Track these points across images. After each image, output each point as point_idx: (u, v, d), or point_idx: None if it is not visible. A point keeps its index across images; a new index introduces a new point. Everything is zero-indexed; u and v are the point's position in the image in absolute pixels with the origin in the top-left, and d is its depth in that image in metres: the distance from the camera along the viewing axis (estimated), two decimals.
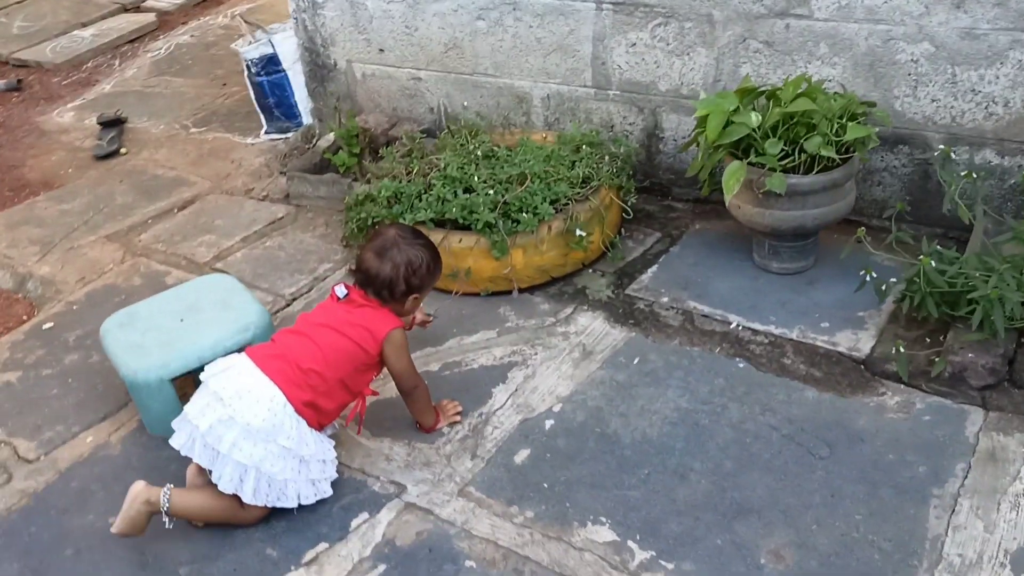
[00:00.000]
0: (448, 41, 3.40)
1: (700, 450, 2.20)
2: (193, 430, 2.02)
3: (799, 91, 2.49)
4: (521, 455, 2.24)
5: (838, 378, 2.37)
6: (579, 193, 2.80)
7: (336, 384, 2.09)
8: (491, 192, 2.74)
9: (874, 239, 2.84)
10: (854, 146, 2.52)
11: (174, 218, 3.53)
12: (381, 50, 3.58)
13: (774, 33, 2.77)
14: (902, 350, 2.28)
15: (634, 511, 2.06)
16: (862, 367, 2.39)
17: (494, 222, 2.67)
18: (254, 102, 4.09)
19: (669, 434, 2.26)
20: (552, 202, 2.75)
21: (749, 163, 2.51)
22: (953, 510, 1.95)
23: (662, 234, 3.05)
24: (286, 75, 3.90)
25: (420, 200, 2.83)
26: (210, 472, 2.03)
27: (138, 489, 2.03)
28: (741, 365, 2.45)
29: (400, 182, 2.91)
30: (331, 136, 3.64)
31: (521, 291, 2.80)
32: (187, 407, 2.05)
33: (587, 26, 3.09)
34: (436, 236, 2.74)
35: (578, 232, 2.73)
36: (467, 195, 2.77)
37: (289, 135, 3.97)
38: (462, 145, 3.11)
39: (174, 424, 2.09)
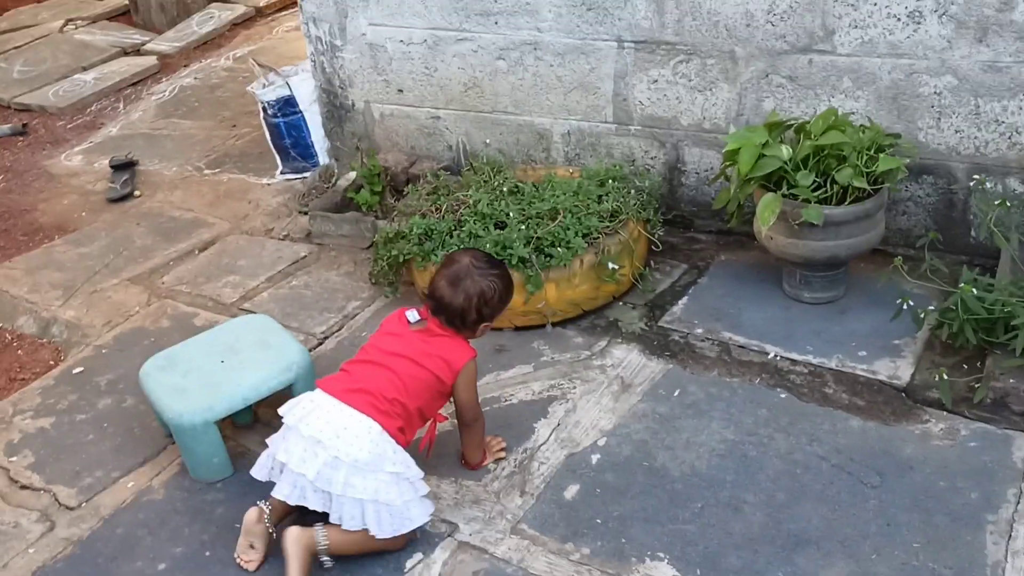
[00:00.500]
0: (468, 81, 3.45)
1: (751, 482, 2.20)
2: (297, 479, 2.00)
3: (829, 124, 2.54)
4: (571, 490, 2.24)
5: (881, 406, 2.39)
6: (609, 227, 2.83)
7: (415, 412, 2.11)
8: (523, 227, 2.76)
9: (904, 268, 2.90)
10: (883, 177, 2.56)
11: (196, 259, 3.52)
12: (400, 90, 3.61)
13: (797, 68, 2.83)
14: (945, 377, 2.30)
15: (691, 545, 2.06)
16: (903, 395, 2.41)
17: (528, 256, 2.69)
18: (269, 143, 4.10)
19: (718, 466, 2.26)
20: (583, 236, 2.77)
21: (782, 195, 2.55)
22: (1010, 536, 1.96)
23: (688, 266, 3.08)
24: (303, 116, 3.92)
25: (452, 237, 2.85)
26: (327, 514, 2.02)
27: (295, 536, 2.01)
28: (783, 395, 2.47)
29: (430, 219, 2.93)
30: (352, 175, 3.66)
31: (554, 325, 2.81)
32: (279, 455, 2.03)
33: (608, 64, 3.14)
34: None
35: (610, 265, 2.75)
36: (499, 231, 2.79)
37: (306, 175, 3.99)
38: (486, 181, 3.13)
39: (262, 473, 2.09)
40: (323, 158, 4.01)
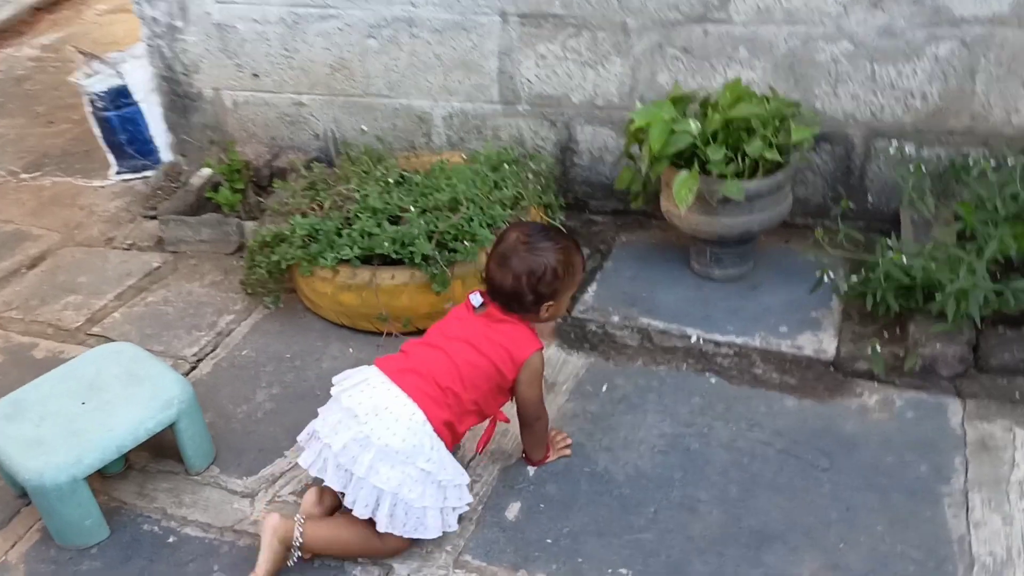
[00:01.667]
0: (335, 62, 3.12)
1: (700, 477, 2.07)
2: (324, 448, 1.83)
3: (737, 96, 2.43)
4: (512, 510, 2.03)
5: (812, 383, 2.32)
6: (511, 215, 2.62)
7: (470, 405, 1.90)
8: (422, 221, 2.50)
9: (803, 238, 2.87)
10: (790, 147, 2.49)
11: (24, 279, 3.02)
12: (256, 75, 3.24)
13: (692, 39, 2.71)
14: (878, 348, 2.26)
15: (653, 556, 1.90)
16: (832, 369, 2.36)
17: (431, 253, 2.44)
18: (100, 140, 3.59)
19: (663, 464, 2.12)
20: (487, 226, 2.55)
21: (689, 170, 2.43)
22: (967, 507, 1.93)
23: (590, 250, 2.92)
24: (139, 108, 3.44)
25: (341, 236, 2.54)
26: (342, 495, 1.84)
27: (274, 524, 1.84)
28: (713, 380, 2.36)
29: (312, 218, 2.61)
30: (206, 172, 3.25)
31: None
32: (315, 423, 1.88)
33: (492, 40, 2.91)
34: (364, 275, 2.49)
35: None
36: (395, 227, 2.52)
37: (148, 174, 3.52)
38: (366, 172, 2.84)
39: (301, 441, 1.92)
40: (167, 154, 3.55)
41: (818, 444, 2.14)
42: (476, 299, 1.96)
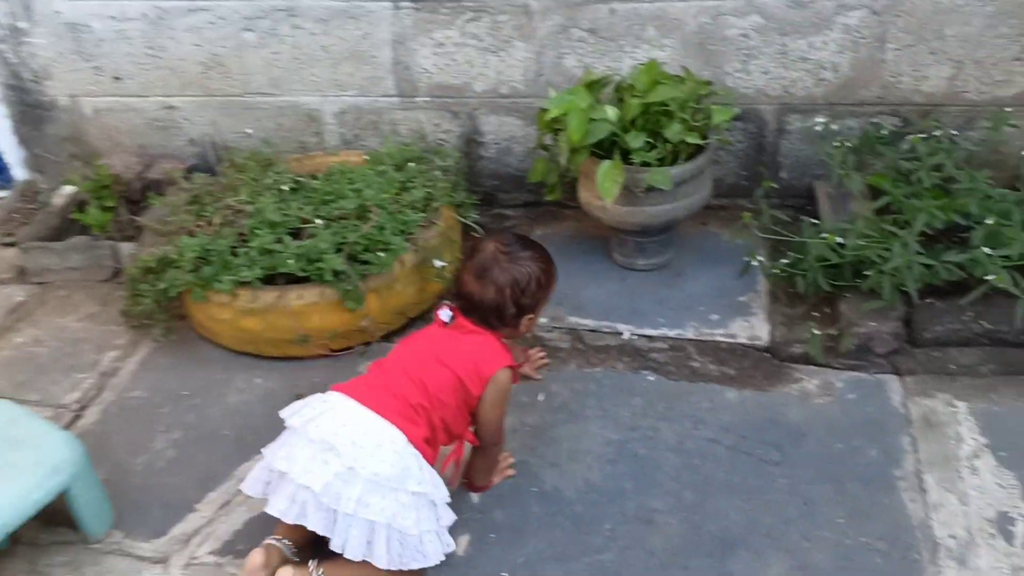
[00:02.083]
0: (208, 59, 2.84)
1: (653, 485, 1.97)
2: (298, 492, 1.64)
3: (654, 78, 2.32)
4: (461, 543, 1.87)
5: (750, 372, 2.26)
6: (424, 218, 2.44)
7: (439, 423, 1.77)
8: (328, 233, 2.28)
9: (719, 219, 2.81)
10: (709, 129, 2.41)
11: None
12: (117, 78, 2.91)
13: (598, 19, 2.58)
14: (815, 331, 2.21)
15: None
16: (768, 355, 2.30)
17: (343, 268, 2.23)
18: None
19: (613, 475, 2.00)
20: (400, 233, 2.36)
21: (611, 160, 2.31)
22: (923, 489, 1.90)
23: None
24: None
25: (237, 256, 2.30)
26: (328, 539, 1.65)
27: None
28: (651, 378, 2.26)
29: (202, 237, 2.34)
30: (69, 189, 2.91)
31: (379, 341, 2.39)
32: (280, 464, 1.67)
33: (384, 28, 2.70)
34: (268, 296, 2.26)
35: (436, 262, 2.37)
36: (299, 241, 2.29)
37: (0, 196, 3.14)
38: (255, 180, 2.59)
39: (256, 489, 1.74)
40: (20, 172, 3.17)
41: (766, 437, 2.07)
42: (446, 314, 1.84)
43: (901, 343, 2.24)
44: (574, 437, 2.10)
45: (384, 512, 1.63)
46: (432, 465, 1.75)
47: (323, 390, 1.86)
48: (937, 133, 2.38)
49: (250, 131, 2.91)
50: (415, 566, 1.69)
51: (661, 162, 2.33)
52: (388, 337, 2.41)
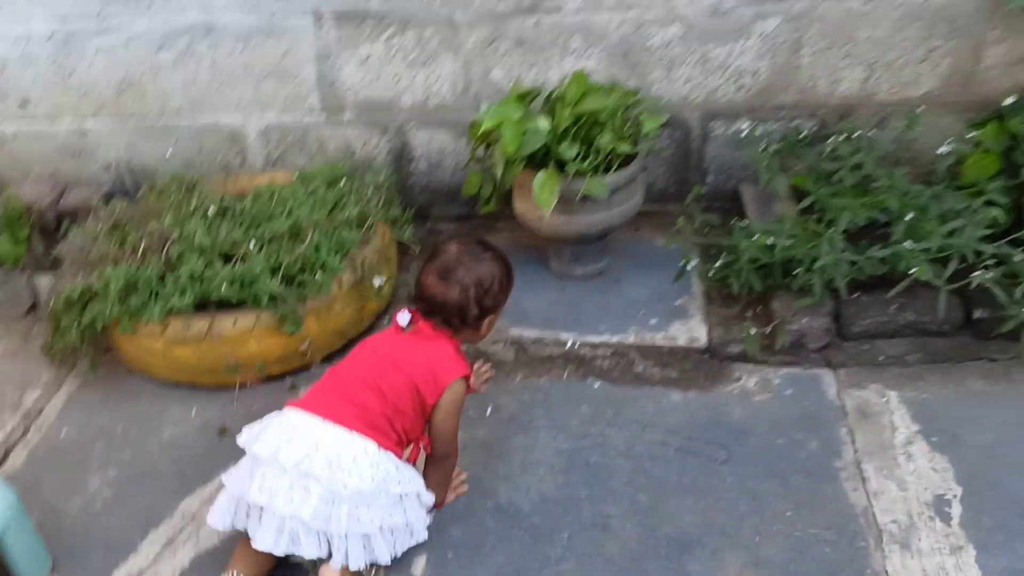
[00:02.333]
0: (121, 81, 2.75)
1: (606, 492, 1.99)
2: (285, 522, 1.64)
3: (584, 89, 2.35)
4: (418, 565, 1.85)
5: (692, 373, 2.30)
6: (361, 236, 2.41)
7: (400, 430, 1.78)
8: (262, 256, 2.23)
9: (651, 224, 2.86)
10: (639, 137, 2.45)
11: None
12: (25, 102, 2.79)
13: (524, 31, 2.60)
14: (752, 330, 2.27)
15: None
16: (708, 356, 2.35)
17: (279, 292, 2.18)
18: None
19: (566, 484, 2.01)
20: (336, 252, 2.32)
21: (546, 170, 2.32)
22: (863, 478, 1.97)
23: None
24: None
25: (165, 284, 2.22)
26: (327, 557, 1.69)
27: None
28: (597, 386, 2.28)
29: (127, 266, 2.26)
30: None
31: (320, 363, 2.35)
32: (259, 498, 1.65)
33: (307, 44, 2.66)
34: (201, 324, 2.20)
35: (375, 281, 2.35)
36: (231, 266, 2.23)
37: None
38: (179, 205, 2.52)
39: (223, 522, 1.73)
40: None
41: (712, 436, 2.11)
42: (404, 317, 1.84)
43: (832, 337, 2.32)
44: (525, 449, 2.11)
45: (375, 521, 1.69)
46: (400, 458, 1.79)
47: (259, 418, 1.85)
48: (856, 134, 2.48)
49: (169, 154, 2.82)
50: (409, 545, 1.81)
51: (595, 171, 2.36)
52: (328, 359, 2.37)
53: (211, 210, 2.46)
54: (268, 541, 1.65)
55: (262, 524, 1.67)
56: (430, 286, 1.82)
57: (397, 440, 1.77)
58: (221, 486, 1.81)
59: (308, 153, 2.83)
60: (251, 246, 2.22)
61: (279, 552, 1.67)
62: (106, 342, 2.36)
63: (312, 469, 1.63)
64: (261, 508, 1.67)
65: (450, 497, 1.98)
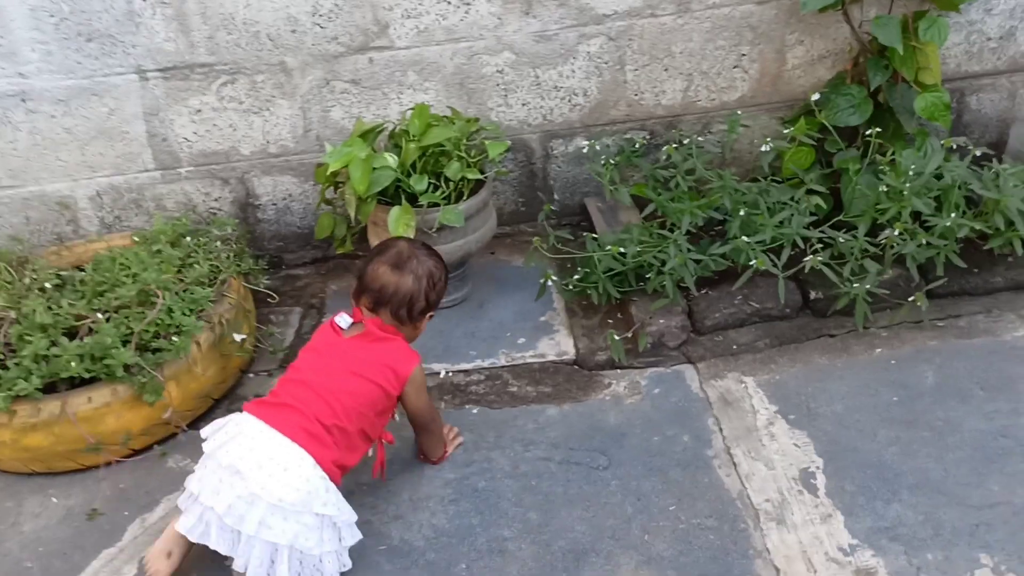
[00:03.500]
0: None
1: (498, 515, 2.01)
2: (206, 511, 1.70)
3: (427, 122, 2.38)
4: None
5: (565, 386, 2.37)
6: (214, 293, 2.33)
7: (358, 436, 1.84)
8: (112, 326, 2.13)
9: (505, 246, 2.92)
10: (485, 163, 2.51)
11: None
12: None
13: (358, 70, 2.61)
14: (616, 338, 2.36)
15: None
16: (577, 367, 2.43)
17: (134, 361, 2.08)
18: None
19: (458, 513, 2.02)
20: (191, 312, 2.24)
21: (399, 206, 2.34)
22: (734, 463, 2.09)
23: (303, 307, 2.72)
24: None
25: (7, 368, 2.08)
26: (230, 560, 1.72)
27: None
28: (475, 411, 2.31)
29: None
30: None
31: (188, 429, 2.25)
32: (192, 485, 1.74)
33: (133, 102, 2.56)
34: (52, 407, 2.07)
35: (236, 337, 2.28)
36: (78, 341, 2.11)
37: None
38: (10, 283, 2.36)
39: (180, 504, 1.80)
40: None
41: (592, 444, 2.18)
42: (344, 320, 1.89)
43: (688, 334, 2.46)
44: (412, 485, 2.10)
45: (286, 534, 1.68)
46: (339, 486, 1.80)
47: (130, 497, 1.85)
48: (686, 141, 2.63)
49: None
50: None
51: (447, 200, 2.40)
52: (195, 424, 2.28)
53: (48, 284, 2.32)
54: (187, 524, 1.72)
55: (189, 509, 1.75)
56: (382, 275, 1.88)
57: (349, 448, 1.81)
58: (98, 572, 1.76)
59: (146, 212, 2.73)
60: (98, 317, 2.11)
61: (192, 538, 1.72)
62: None
63: (241, 468, 1.68)
64: (193, 495, 1.74)
65: (450, 448, 2.13)
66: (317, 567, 1.74)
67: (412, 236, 2.26)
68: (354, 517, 1.83)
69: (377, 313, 1.90)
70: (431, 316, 1.99)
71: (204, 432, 1.82)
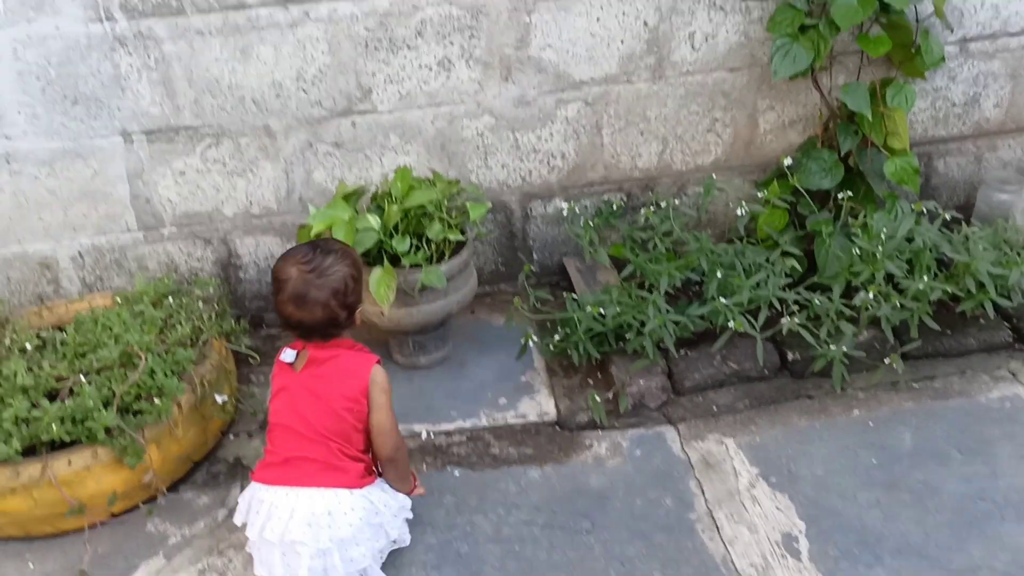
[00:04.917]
0: None
1: None
2: None
3: (409, 184, 2.42)
4: None
5: (547, 447, 2.38)
6: (196, 354, 2.33)
7: (359, 443, 1.93)
8: (93, 388, 2.11)
9: (485, 306, 2.95)
10: (466, 224, 2.54)
11: None
12: None
13: (341, 133, 2.65)
14: (596, 398, 2.38)
15: None
16: (558, 428, 2.44)
17: (115, 424, 2.07)
18: None
19: None
20: (173, 373, 2.23)
21: (382, 267, 2.36)
22: (717, 527, 2.10)
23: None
24: None
25: None
26: None
27: None
28: (457, 473, 2.30)
29: None
30: None
31: (166, 493, 2.23)
32: (260, 572, 1.87)
33: (117, 163, 2.58)
34: (32, 470, 2.05)
35: (218, 398, 2.27)
36: (59, 403, 2.10)
37: None
38: None
39: None
40: None
41: (574, 507, 2.18)
42: (289, 356, 1.92)
43: (669, 395, 2.48)
44: (394, 551, 2.09)
45: (367, 555, 1.85)
46: (373, 475, 1.95)
47: (109, 563, 1.84)
48: (663, 204, 2.69)
49: None
50: (392, 547, 2.00)
51: (428, 261, 2.42)
52: (175, 487, 2.26)
53: (29, 345, 2.31)
54: None
55: None
56: (292, 315, 1.86)
57: (362, 464, 1.90)
58: None
59: (128, 273, 2.73)
60: (80, 379, 2.10)
61: None
62: None
63: (295, 536, 1.77)
64: None
65: (418, 486, 2.14)
66: (390, 541, 1.97)
67: (392, 297, 2.28)
68: (408, 501, 2.02)
69: (310, 340, 1.91)
70: (361, 310, 1.95)
71: (237, 519, 1.93)
